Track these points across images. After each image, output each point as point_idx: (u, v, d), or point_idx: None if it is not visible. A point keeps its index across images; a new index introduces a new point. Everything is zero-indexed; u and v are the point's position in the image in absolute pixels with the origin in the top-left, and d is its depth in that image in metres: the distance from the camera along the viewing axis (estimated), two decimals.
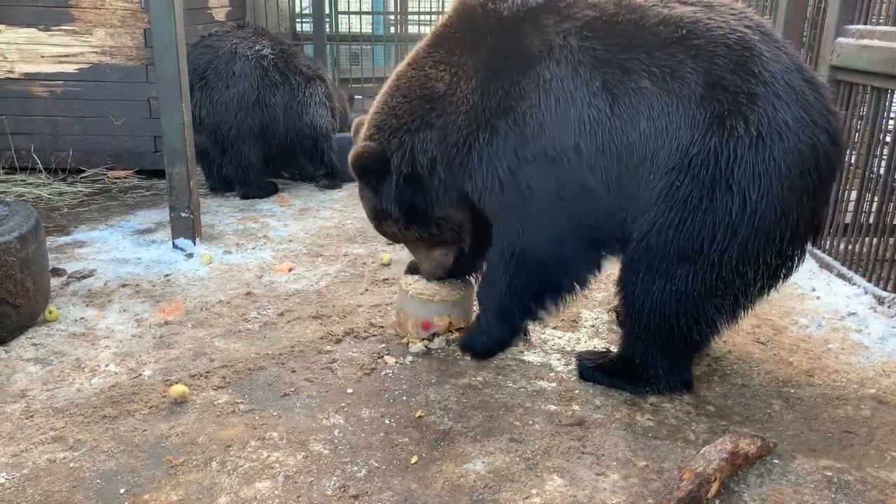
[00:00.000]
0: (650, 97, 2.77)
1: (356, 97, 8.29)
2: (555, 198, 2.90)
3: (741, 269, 2.81)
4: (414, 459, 2.67)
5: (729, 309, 2.95)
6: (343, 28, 10.08)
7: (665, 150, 2.76)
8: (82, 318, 3.79)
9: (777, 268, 2.90)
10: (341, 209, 5.76)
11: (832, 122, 2.81)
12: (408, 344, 3.53)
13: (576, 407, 3.03)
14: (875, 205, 4.16)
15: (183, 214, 4.71)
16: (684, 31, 2.77)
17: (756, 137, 2.67)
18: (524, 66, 2.91)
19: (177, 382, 3.14)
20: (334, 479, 2.57)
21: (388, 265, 4.54)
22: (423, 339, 3.54)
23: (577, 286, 3.09)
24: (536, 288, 3.10)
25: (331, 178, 6.37)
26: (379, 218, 3.29)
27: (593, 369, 3.22)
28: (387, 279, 4.35)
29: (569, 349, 3.51)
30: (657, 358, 3.05)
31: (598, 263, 3.07)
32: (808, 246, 3.04)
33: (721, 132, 2.69)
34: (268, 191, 6.16)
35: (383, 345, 3.55)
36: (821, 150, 2.75)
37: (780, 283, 3.01)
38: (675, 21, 2.80)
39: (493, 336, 3.25)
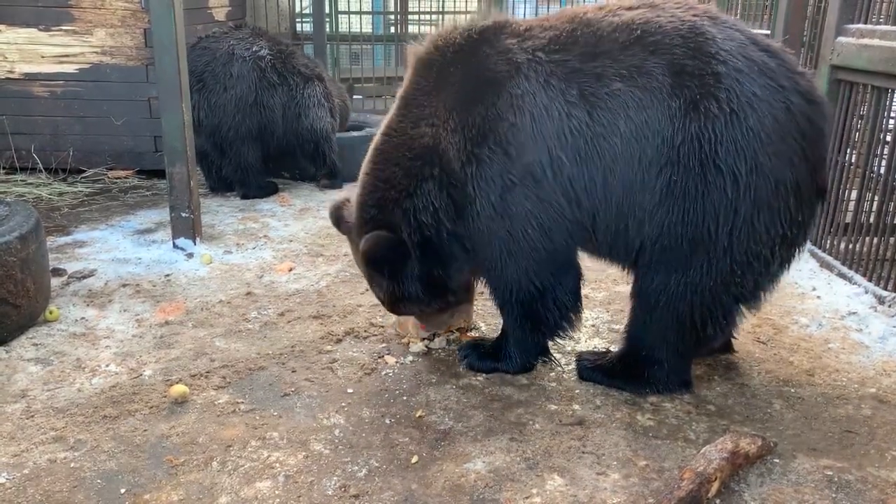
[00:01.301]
0: (624, 97, 2.80)
1: (356, 97, 8.31)
2: (537, 219, 2.94)
3: (755, 249, 2.80)
4: (414, 459, 2.68)
5: (749, 294, 2.94)
6: (343, 28, 10.08)
7: (650, 146, 2.78)
8: (83, 318, 3.80)
9: (794, 237, 2.88)
10: None
11: (801, 82, 2.82)
12: (408, 344, 3.53)
13: (576, 406, 3.04)
14: (875, 204, 4.16)
15: (183, 214, 4.71)
16: (639, 32, 2.83)
17: (730, 113, 2.70)
18: (495, 88, 2.93)
19: (177, 382, 3.14)
20: (335, 478, 2.57)
21: None
22: (424, 338, 3.54)
23: (575, 302, 3.18)
24: (540, 314, 3.14)
25: (331, 177, 6.37)
26: (398, 301, 3.22)
27: (592, 369, 3.22)
28: None
29: (569, 349, 3.51)
30: (664, 355, 3.03)
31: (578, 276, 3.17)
32: (817, 212, 3.02)
33: (697, 116, 2.72)
34: (268, 191, 6.16)
35: (384, 344, 3.55)
36: (797, 112, 2.76)
37: (798, 253, 2.97)
38: (627, 25, 2.87)
39: (517, 362, 3.26)
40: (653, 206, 2.82)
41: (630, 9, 2.95)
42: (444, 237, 3.07)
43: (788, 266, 2.99)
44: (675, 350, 3.03)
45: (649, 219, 2.84)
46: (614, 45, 2.85)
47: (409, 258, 3.11)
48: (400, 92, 3.19)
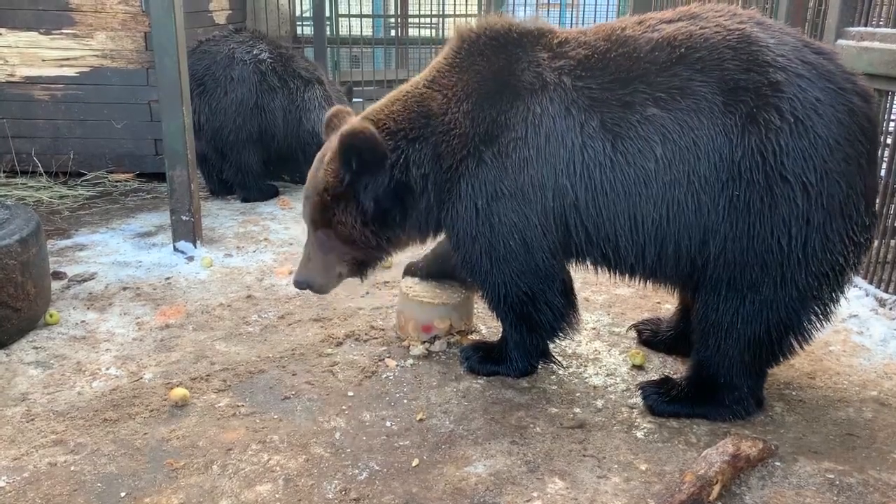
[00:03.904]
0: (661, 121, 2.73)
1: (356, 100, 8.31)
2: (521, 234, 2.92)
3: (830, 258, 2.71)
4: (415, 462, 2.67)
5: (824, 305, 2.84)
6: (343, 31, 10.10)
7: (704, 166, 2.70)
8: (83, 321, 3.79)
9: (864, 241, 2.79)
10: None
11: (857, 82, 2.75)
12: (409, 347, 3.53)
13: (577, 409, 3.03)
14: (876, 207, 4.15)
15: (184, 217, 4.71)
16: (682, 50, 2.74)
17: (794, 122, 2.62)
18: (513, 97, 2.90)
19: (178, 385, 3.14)
20: (335, 482, 2.57)
21: (388, 268, 4.53)
22: (424, 341, 3.54)
23: (567, 304, 3.17)
24: (533, 317, 3.13)
25: None
26: (332, 197, 3.00)
27: (670, 402, 3.00)
28: (387, 282, 4.35)
29: (570, 351, 3.51)
30: (743, 379, 2.91)
31: (566, 287, 3.15)
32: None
33: (757, 130, 2.63)
34: (268, 194, 6.17)
35: (384, 348, 3.55)
36: (859, 113, 2.69)
37: (864, 258, 2.88)
38: (668, 42, 2.78)
39: (518, 366, 3.26)
40: (716, 224, 2.73)
41: (671, 22, 2.85)
42: (423, 201, 3.04)
43: (857, 272, 2.89)
44: (754, 372, 2.93)
45: (712, 237, 2.74)
46: (651, 66, 2.76)
47: (382, 173, 2.97)
48: (434, 60, 3.20)
